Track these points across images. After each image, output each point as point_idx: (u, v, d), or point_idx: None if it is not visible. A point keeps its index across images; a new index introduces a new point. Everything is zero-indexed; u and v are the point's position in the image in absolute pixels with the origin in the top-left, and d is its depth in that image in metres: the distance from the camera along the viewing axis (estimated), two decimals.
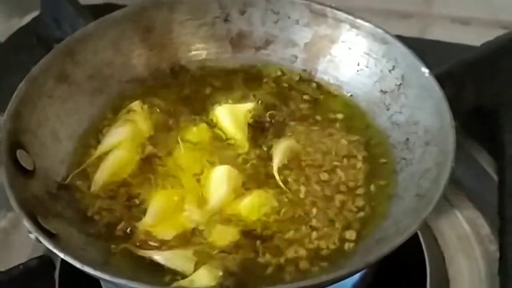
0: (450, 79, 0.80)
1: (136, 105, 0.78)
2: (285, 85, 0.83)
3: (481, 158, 0.87)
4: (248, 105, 0.78)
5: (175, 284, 0.62)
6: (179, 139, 0.74)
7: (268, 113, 0.78)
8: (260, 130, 0.77)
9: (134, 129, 0.75)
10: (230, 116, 0.77)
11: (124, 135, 0.75)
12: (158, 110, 0.79)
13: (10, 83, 0.83)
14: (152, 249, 0.65)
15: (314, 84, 0.83)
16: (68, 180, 0.70)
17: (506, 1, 1.11)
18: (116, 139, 0.74)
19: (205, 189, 0.70)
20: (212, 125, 0.77)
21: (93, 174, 0.71)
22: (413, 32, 1.08)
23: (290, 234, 0.67)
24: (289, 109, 0.80)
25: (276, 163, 0.73)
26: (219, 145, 0.75)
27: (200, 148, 0.74)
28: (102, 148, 0.74)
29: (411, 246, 0.62)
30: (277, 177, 0.72)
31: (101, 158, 0.73)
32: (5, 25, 1.06)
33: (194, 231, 0.67)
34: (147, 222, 0.67)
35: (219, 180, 0.70)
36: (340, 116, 0.79)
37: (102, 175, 0.71)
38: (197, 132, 0.76)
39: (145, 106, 0.78)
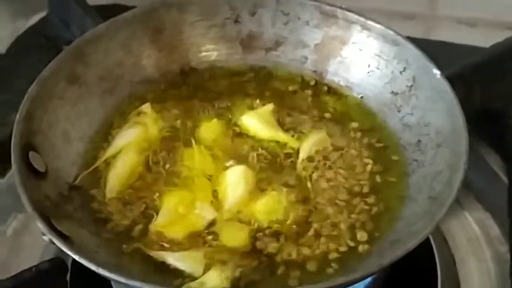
0: (460, 80, 0.80)
1: (146, 107, 0.78)
2: (295, 86, 0.83)
3: (491, 159, 0.87)
4: (269, 106, 0.79)
5: (185, 286, 0.62)
6: (192, 139, 0.75)
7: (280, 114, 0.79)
8: None
9: (144, 132, 0.75)
10: (260, 122, 0.77)
11: (134, 137, 0.75)
12: (169, 111, 0.79)
13: (19, 84, 0.83)
14: (163, 250, 0.65)
15: (325, 87, 0.83)
16: (77, 180, 0.70)
17: None
18: (126, 141, 0.74)
19: (220, 189, 0.70)
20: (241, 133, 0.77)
21: (104, 176, 0.71)
22: (418, 33, 1.07)
23: (303, 236, 0.67)
24: (301, 110, 0.80)
25: (302, 154, 0.74)
26: (236, 141, 0.76)
27: (214, 146, 0.75)
28: (111, 150, 0.74)
29: (422, 248, 0.62)
30: (299, 168, 0.72)
31: (110, 161, 0.73)
32: (12, 25, 1.06)
33: (206, 233, 0.67)
34: (159, 222, 0.67)
35: (235, 181, 0.70)
36: (352, 118, 0.79)
37: (115, 183, 0.71)
38: (211, 128, 0.76)
39: (155, 108, 0.78)
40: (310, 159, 0.74)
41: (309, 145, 0.74)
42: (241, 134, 0.76)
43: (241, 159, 0.73)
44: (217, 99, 0.81)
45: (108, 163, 0.73)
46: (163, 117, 0.78)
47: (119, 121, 0.77)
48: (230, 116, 0.78)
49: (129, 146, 0.74)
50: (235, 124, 0.77)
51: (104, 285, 0.71)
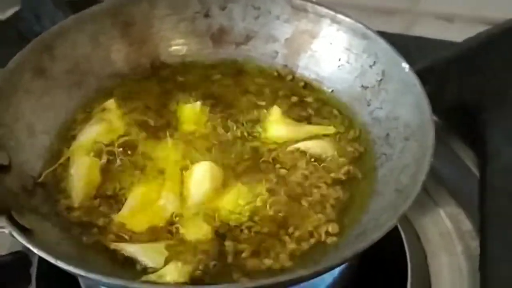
0: (432, 75, 0.80)
1: (110, 103, 0.77)
2: (264, 81, 0.83)
3: (463, 154, 0.87)
4: (276, 109, 0.78)
5: (143, 277, 0.62)
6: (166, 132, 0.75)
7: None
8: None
9: (108, 128, 0.75)
10: (284, 126, 0.77)
11: (97, 133, 0.74)
12: (139, 105, 0.78)
13: None
14: (124, 242, 0.65)
15: (302, 83, 0.83)
16: (41, 178, 0.69)
17: None
18: (89, 138, 0.73)
19: (186, 185, 0.69)
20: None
21: (66, 177, 0.71)
22: (397, 29, 1.08)
23: (269, 231, 0.67)
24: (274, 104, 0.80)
25: (297, 146, 0.74)
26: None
27: (193, 135, 0.75)
28: (75, 146, 0.73)
29: (393, 242, 0.62)
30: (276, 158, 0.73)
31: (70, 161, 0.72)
32: None
33: (168, 226, 0.67)
34: (123, 213, 0.67)
35: (201, 177, 0.70)
36: (324, 111, 0.79)
37: (79, 189, 0.69)
38: (194, 112, 0.77)
39: (125, 102, 0.78)
40: (288, 152, 0.74)
41: (311, 144, 0.74)
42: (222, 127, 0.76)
43: (213, 153, 0.73)
44: (188, 94, 0.80)
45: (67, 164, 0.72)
46: (132, 111, 0.77)
47: (86, 114, 0.77)
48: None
49: (87, 145, 0.73)
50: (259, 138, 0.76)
51: (70, 278, 0.70)
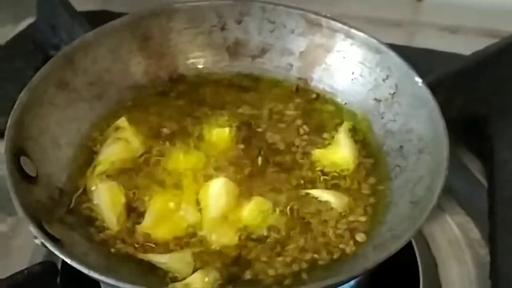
0: (441, 87, 0.81)
1: (122, 122, 0.78)
2: (279, 93, 0.85)
3: (472, 165, 0.89)
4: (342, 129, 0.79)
5: (170, 286, 0.63)
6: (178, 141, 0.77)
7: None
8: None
9: (125, 146, 0.76)
10: (347, 150, 0.77)
11: (116, 153, 0.75)
12: (157, 116, 0.80)
13: (7, 89, 0.84)
14: (151, 252, 0.66)
15: (314, 95, 0.84)
16: (72, 205, 0.70)
17: (494, 10, 1.13)
18: (109, 159, 0.75)
19: (203, 201, 0.71)
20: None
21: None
22: (401, 40, 1.08)
23: (291, 242, 0.68)
24: (289, 118, 0.82)
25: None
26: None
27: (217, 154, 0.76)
28: (97, 169, 0.74)
29: (404, 250, 0.63)
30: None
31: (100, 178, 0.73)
32: (1, 30, 1.06)
33: (193, 234, 0.68)
34: (146, 224, 0.68)
35: (217, 193, 0.71)
36: (338, 125, 0.81)
37: (112, 217, 0.70)
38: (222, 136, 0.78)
39: (143, 113, 0.80)
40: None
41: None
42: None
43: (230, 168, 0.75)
44: (206, 106, 0.82)
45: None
46: (151, 124, 0.79)
47: (107, 126, 0.78)
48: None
49: (106, 166, 0.74)
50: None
51: (93, 287, 0.72)
